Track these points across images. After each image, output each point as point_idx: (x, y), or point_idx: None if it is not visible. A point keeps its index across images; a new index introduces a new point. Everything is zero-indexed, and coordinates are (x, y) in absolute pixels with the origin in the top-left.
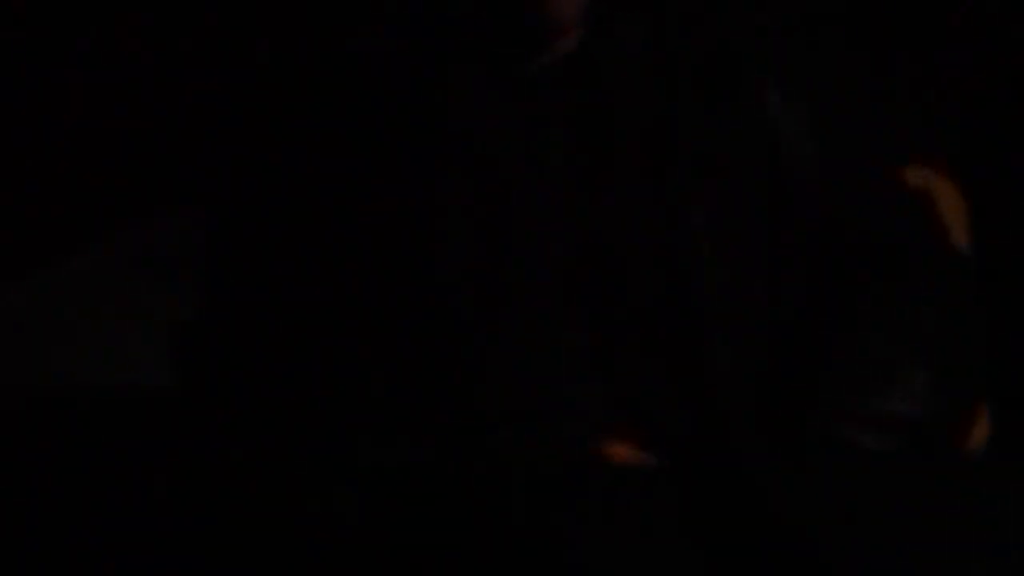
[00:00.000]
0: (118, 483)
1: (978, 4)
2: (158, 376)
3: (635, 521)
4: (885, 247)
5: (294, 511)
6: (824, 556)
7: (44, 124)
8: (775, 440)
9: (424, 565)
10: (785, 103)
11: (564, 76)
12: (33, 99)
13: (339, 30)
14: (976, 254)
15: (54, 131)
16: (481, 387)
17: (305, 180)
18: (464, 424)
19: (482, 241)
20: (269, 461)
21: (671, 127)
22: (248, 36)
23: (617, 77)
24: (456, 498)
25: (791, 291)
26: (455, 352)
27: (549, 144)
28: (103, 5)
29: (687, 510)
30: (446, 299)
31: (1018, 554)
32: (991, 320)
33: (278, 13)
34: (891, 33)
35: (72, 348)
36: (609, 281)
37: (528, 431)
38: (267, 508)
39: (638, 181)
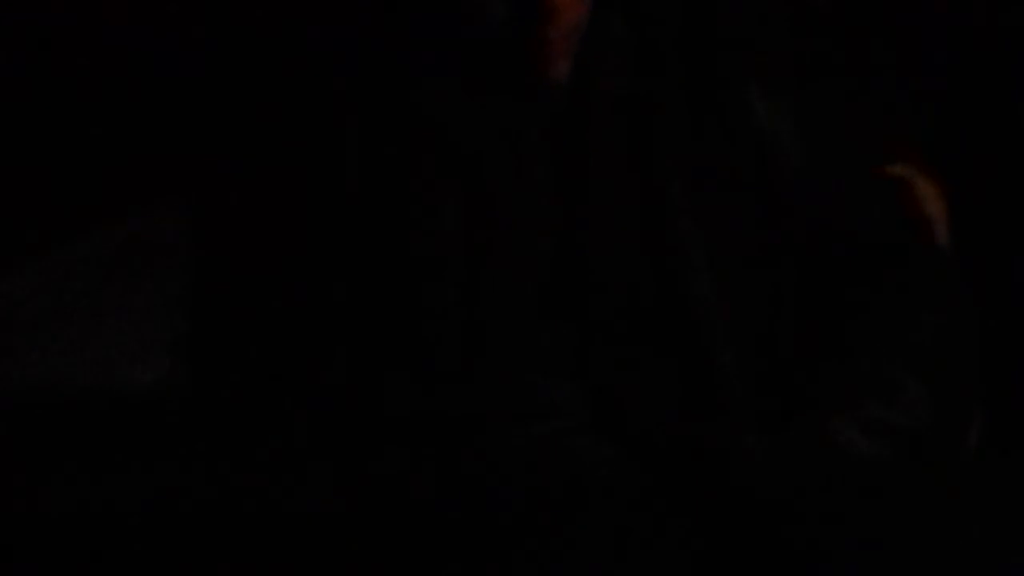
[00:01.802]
0: (107, 483)
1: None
2: (145, 374)
3: (618, 517)
4: (872, 248)
5: (285, 511)
6: (818, 553)
7: (32, 119)
8: (772, 437)
9: (414, 565)
10: (771, 104)
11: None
12: (20, 94)
13: (330, 30)
14: (957, 250)
15: (42, 126)
16: (465, 388)
17: (295, 180)
18: (449, 425)
19: (467, 242)
20: (260, 460)
21: (657, 129)
22: (239, 34)
23: (603, 77)
24: (444, 498)
25: (781, 291)
26: (438, 353)
27: (534, 147)
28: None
29: (669, 505)
30: (429, 299)
31: (1017, 557)
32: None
33: (271, 11)
34: (872, 31)
35: (61, 345)
36: (594, 282)
37: (512, 431)
38: (260, 508)
39: (624, 183)
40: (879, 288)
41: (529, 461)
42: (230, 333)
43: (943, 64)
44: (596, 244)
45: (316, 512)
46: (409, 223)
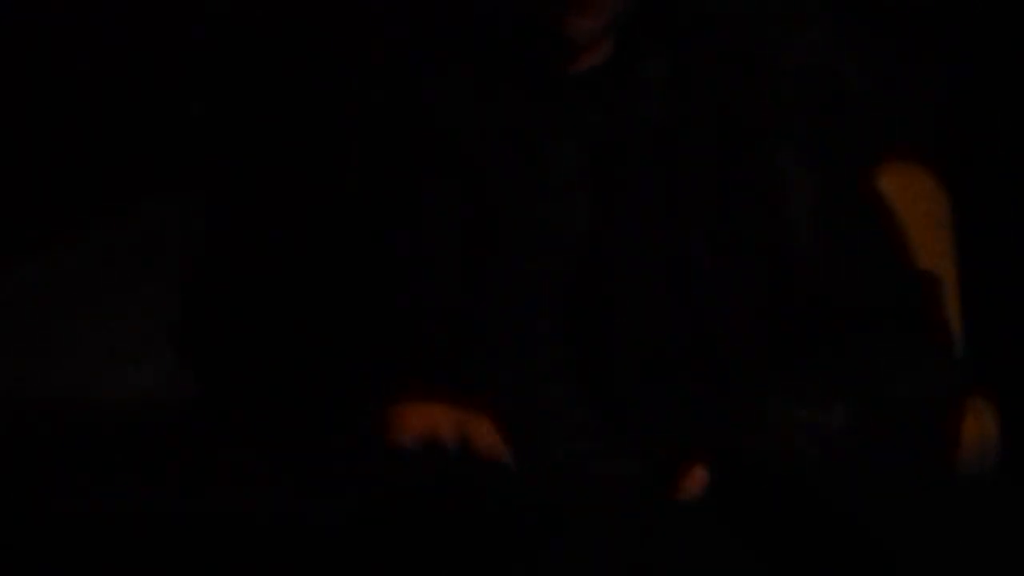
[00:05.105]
0: (105, 484)
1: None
2: (145, 374)
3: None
4: (865, 311)
5: (288, 516)
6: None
7: (32, 119)
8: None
9: (420, 569)
10: (798, 170)
11: (580, 94)
12: (20, 94)
13: (337, 28)
14: (962, 253)
15: (42, 126)
16: (467, 393)
17: (295, 179)
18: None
19: (467, 244)
20: (258, 460)
21: (687, 162)
22: (244, 32)
23: (643, 103)
24: (450, 510)
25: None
26: (438, 354)
27: (543, 149)
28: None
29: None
30: (429, 299)
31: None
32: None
33: (273, 9)
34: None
35: (60, 344)
36: (614, 295)
37: (517, 440)
38: (257, 511)
39: (650, 207)
40: (856, 341)
41: (542, 479)
42: (229, 333)
43: (944, 64)
44: (612, 260)
45: (315, 515)
46: (409, 223)
